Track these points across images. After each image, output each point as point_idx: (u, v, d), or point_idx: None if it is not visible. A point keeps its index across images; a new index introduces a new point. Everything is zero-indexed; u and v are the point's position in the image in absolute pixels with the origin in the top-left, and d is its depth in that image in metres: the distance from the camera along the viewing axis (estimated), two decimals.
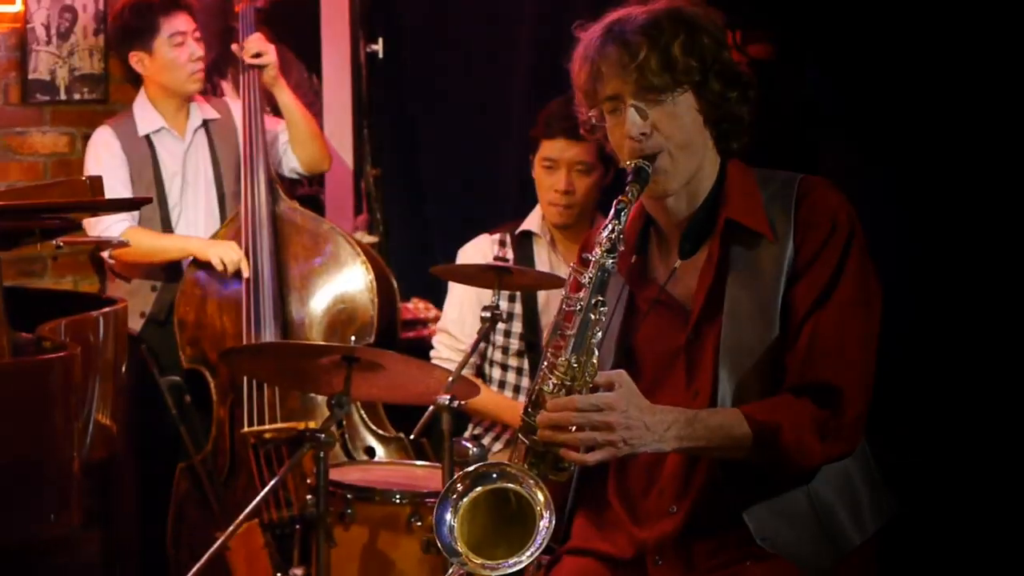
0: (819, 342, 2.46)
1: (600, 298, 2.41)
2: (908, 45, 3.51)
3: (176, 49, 4.61)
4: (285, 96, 4.70)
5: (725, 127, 2.57)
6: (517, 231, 4.24)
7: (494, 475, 2.35)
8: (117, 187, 4.56)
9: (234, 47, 4.68)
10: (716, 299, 2.53)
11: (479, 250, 4.24)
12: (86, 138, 4.86)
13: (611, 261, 2.41)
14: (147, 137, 4.68)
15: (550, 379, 2.40)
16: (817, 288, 2.49)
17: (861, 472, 2.59)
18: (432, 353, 4.28)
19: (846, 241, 2.50)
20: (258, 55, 4.59)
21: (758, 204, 2.55)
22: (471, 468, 2.37)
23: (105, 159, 4.62)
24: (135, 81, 4.76)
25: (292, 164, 4.80)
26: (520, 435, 2.43)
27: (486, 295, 3.79)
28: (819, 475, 2.52)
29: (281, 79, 4.68)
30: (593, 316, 2.40)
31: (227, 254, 4.46)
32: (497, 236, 4.26)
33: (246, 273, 4.45)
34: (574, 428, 2.35)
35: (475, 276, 3.76)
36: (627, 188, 2.47)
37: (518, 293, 4.16)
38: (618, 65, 2.49)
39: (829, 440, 2.45)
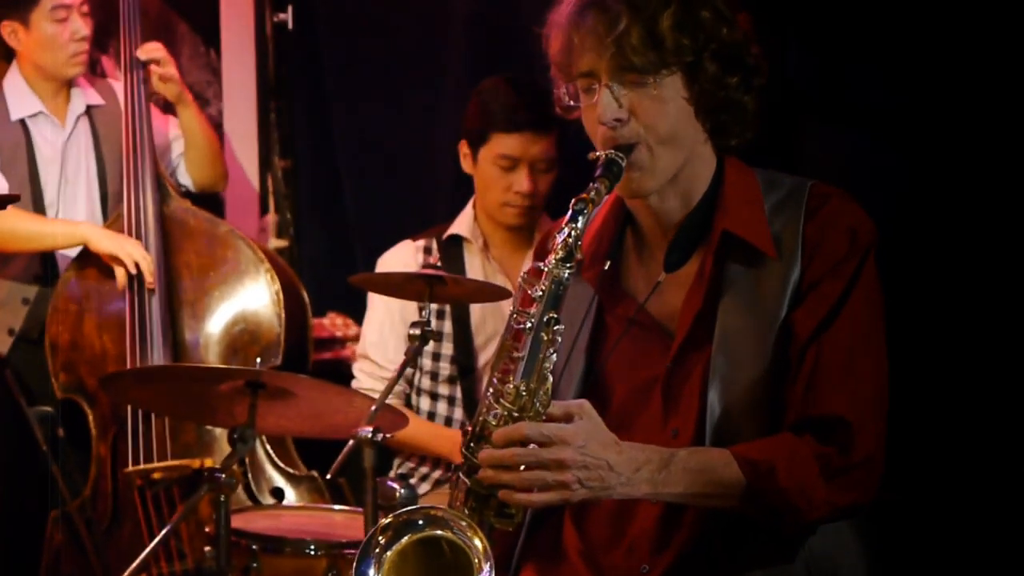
0: (823, 369, 2.44)
1: (554, 315, 2.37)
2: (894, 22, 3.58)
3: (58, 25, 4.57)
4: (189, 114, 4.70)
5: (723, 118, 2.52)
6: (444, 236, 4.25)
7: (420, 521, 2.34)
8: None
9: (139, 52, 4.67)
10: (705, 323, 2.50)
11: (400, 259, 4.24)
12: None
13: (567, 272, 2.38)
14: (22, 122, 4.65)
15: (495, 409, 2.38)
16: (823, 309, 2.46)
17: (859, 531, 2.57)
18: (353, 384, 4.28)
19: (861, 260, 2.48)
20: (157, 63, 4.59)
21: (760, 214, 2.52)
22: (393, 515, 2.35)
23: None
24: (6, 54, 4.72)
25: (184, 181, 4.81)
26: (460, 474, 2.41)
27: (411, 311, 3.79)
28: (818, 532, 2.49)
29: (187, 94, 4.69)
30: (546, 336, 2.37)
31: (136, 252, 4.43)
32: (421, 242, 4.27)
33: (152, 283, 4.43)
34: (523, 467, 2.32)
35: (402, 286, 3.74)
36: (592, 185, 2.42)
37: (447, 309, 4.17)
38: (593, 37, 2.45)
39: (836, 483, 2.42)
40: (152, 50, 4.60)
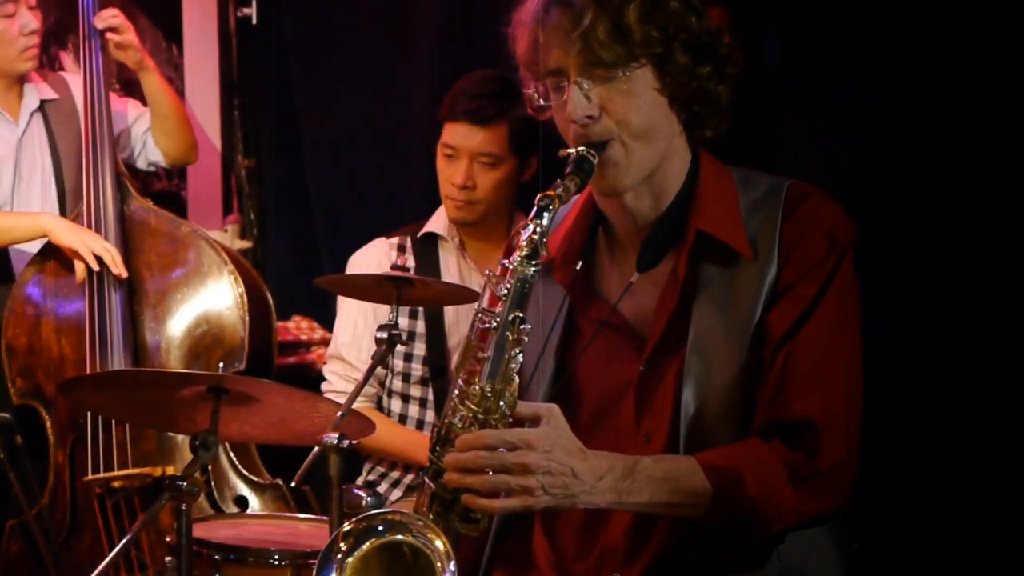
0: (793, 372, 2.44)
1: (519, 314, 2.37)
2: (874, 16, 3.59)
3: (5, 20, 4.55)
4: (153, 81, 4.68)
5: (696, 110, 2.52)
6: (419, 234, 4.24)
7: (380, 527, 2.33)
8: None
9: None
10: (679, 325, 2.50)
11: (373, 257, 4.23)
12: None
13: (532, 270, 2.38)
14: None
15: (461, 411, 2.38)
16: (796, 310, 2.46)
17: (836, 539, 2.57)
18: (324, 386, 4.27)
19: (837, 261, 2.48)
20: (115, 30, 4.58)
21: (736, 213, 2.53)
22: (352, 521, 2.34)
23: None
24: None
25: (154, 157, 4.79)
26: (425, 478, 2.40)
27: (384, 311, 3.79)
28: (792, 539, 2.49)
29: (148, 60, 4.66)
30: (511, 336, 2.36)
31: (97, 245, 4.39)
32: (395, 240, 4.26)
33: (121, 271, 4.41)
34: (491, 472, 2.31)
35: (369, 289, 3.73)
36: (560, 181, 2.42)
37: (420, 309, 4.16)
38: (560, 33, 2.45)
39: (804, 490, 2.41)
40: (109, 17, 4.59)
